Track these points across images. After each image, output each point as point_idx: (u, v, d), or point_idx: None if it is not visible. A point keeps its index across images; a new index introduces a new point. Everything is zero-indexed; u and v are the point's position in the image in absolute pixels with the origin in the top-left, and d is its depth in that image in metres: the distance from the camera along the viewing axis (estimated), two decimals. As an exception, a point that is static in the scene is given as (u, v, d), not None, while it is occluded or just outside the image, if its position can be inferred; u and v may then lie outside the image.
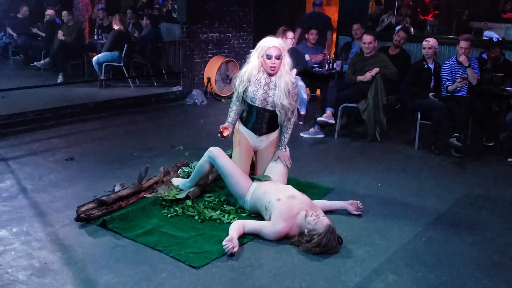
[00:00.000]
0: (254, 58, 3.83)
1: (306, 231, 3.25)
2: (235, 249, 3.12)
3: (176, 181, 4.08)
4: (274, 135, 4.01)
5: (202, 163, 3.85)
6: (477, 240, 3.53)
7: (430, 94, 5.70)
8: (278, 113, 3.84)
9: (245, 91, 3.86)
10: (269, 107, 3.85)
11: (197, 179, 3.91)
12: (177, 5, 8.23)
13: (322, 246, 3.15)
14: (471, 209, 4.09)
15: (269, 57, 3.72)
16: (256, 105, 3.85)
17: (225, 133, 3.88)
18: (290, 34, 6.30)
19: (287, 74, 3.82)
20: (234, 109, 4.00)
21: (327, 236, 3.16)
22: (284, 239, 3.33)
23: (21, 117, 5.93)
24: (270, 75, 3.80)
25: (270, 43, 3.73)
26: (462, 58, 5.63)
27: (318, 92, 8.02)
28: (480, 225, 3.79)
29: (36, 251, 3.11)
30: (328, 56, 7.49)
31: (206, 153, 3.82)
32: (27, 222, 3.49)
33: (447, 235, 3.58)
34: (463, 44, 5.66)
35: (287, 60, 3.82)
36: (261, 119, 3.91)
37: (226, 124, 3.95)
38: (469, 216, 3.95)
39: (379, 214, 3.90)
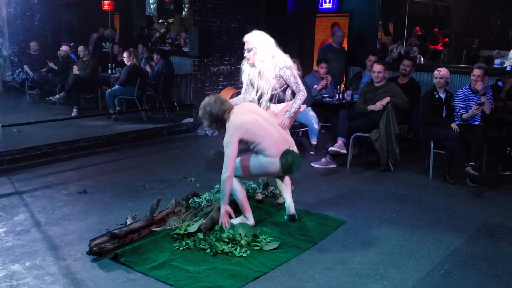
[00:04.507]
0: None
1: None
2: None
3: (235, 221, 3.98)
4: (281, 105, 4.47)
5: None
6: (497, 273, 3.43)
7: (453, 125, 5.55)
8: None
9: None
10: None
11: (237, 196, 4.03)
12: (189, 40, 8.40)
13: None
14: (490, 241, 3.99)
15: (245, 50, 4.34)
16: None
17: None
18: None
19: (271, 61, 4.33)
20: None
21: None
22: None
23: (35, 151, 5.99)
24: (252, 65, 4.35)
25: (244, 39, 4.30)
26: (478, 85, 5.59)
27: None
28: (500, 257, 3.68)
29: (49, 285, 3.10)
30: (338, 87, 7.50)
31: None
32: (40, 256, 3.49)
33: (466, 268, 3.48)
34: (476, 72, 5.63)
35: (263, 52, 4.29)
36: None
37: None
38: (488, 247, 3.85)
39: (395, 246, 3.82)
